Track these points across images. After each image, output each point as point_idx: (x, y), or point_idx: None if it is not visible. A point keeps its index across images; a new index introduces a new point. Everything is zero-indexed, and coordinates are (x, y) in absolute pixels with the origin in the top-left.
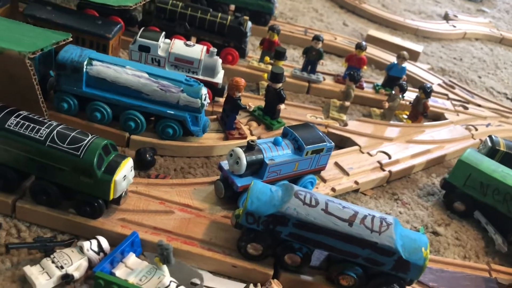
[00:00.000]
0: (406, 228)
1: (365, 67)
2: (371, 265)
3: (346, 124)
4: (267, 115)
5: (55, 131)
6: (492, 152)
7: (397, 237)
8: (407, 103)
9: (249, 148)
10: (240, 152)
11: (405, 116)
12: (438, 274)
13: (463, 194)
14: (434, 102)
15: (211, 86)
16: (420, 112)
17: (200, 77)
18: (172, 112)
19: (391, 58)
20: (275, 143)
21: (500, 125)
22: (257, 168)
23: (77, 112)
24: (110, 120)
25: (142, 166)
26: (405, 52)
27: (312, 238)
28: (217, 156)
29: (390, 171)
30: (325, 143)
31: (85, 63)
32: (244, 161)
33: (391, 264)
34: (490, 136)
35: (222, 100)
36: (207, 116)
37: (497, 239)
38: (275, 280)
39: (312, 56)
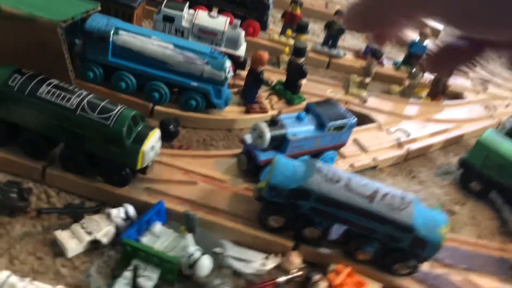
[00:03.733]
0: (425, 206)
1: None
2: (389, 241)
3: (365, 101)
4: (288, 90)
5: (85, 101)
6: (511, 133)
7: (417, 215)
8: (427, 81)
9: (273, 123)
10: (264, 127)
11: (424, 94)
12: (453, 252)
13: (480, 174)
14: (454, 81)
15: (233, 58)
16: (440, 91)
17: (223, 49)
18: (195, 84)
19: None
20: (298, 118)
21: None
22: (279, 143)
23: (102, 81)
24: (135, 90)
25: (166, 137)
26: (427, 29)
27: (333, 213)
28: (238, 129)
29: (408, 149)
30: (347, 120)
31: (112, 32)
32: (267, 136)
33: (408, 241)
34: (510, 117)
35: (244, 73)
36: (229, 89)
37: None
38: (295, 252)
39: (334, 30)
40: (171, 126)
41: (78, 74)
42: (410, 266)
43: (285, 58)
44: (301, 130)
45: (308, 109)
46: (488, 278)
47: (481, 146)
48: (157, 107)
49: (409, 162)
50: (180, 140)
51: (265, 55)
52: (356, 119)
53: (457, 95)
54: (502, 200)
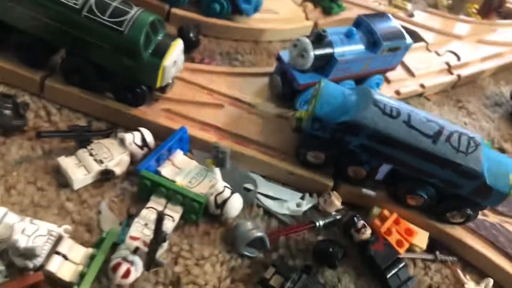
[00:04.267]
0: (492, 150)
1: None
2: (448, 187)
3: (412, 15)
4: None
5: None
6: None
7: (484, 160)
8: None
9: (318, 39)
10: (308, 44)
11: (474, 10)
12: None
13: None
14: None
15: None
16: (494, 7)
17: None
18: None
19: None
20: (348, 35)
21: None
22: (323, 64)
23: None
24: None
25: (185, 47)
26: None
27: (387, 152)
28: (267, 41)
29: (459, 75)
30: (404, 40)
31: None
32: (311, 55)
33: (471, 188)
34: None
35: None
36: None
37: None
38: (335, 192)
39: None
40: (191, 34)
41: None
42: (466, 214)
43: None
44: (351, 49)
45: (358, 24)
46: None
47: None
48: (175, 10)
49: (457, 90)
50: (201, 51)
51: None
52: (412, 42)
53: None
54: None
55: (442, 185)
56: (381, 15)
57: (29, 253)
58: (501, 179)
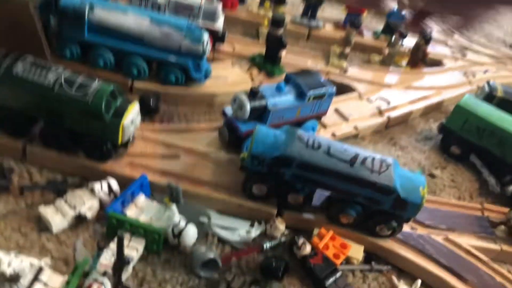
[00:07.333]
0: (405, 169)
1: (365, 13)
2: (371, 204)
3: (346, 71)
4: (268, 62)
5: (62, 77)
6: (489, 97)
7: (396, 177)
8: (407, 50)
9: (253, 94)
10: (244, 98)
11: (404, 63)
12: (434, 213)
13: (459, 138)
14: (433, 49)
15: (211, 32)
16: (419, 59)
17: (201, 23)
18: (174, 59)
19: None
20: (278, 89)
21: (497, 71)
22: (260, 114)
23: (80, 59)
24: (113, 67)
25: (146, 113)
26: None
27: (314, 178)
28: (220, 102)
29: (388, 117)
30: (326, 88)
31: (87, 9)
32: (247, 107)
33: (389, 202)
34: (487, 82)
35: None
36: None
37: (491, 180)
38: (279, 218)
39: (313, 1)
40: (151, 102)
41: (55, 53)
42: (392, 227)
43: (264, 30)
44: (281, 100)
45: (287, 79)
46: (467, 236)
47: (460, 111)
48: (136, 83)
49: (390, 129)
50: (161, 116)
51: None
52: (335, 87)
53: (436, 63)
54: (481, 163)
55: (366, 202)
56: (306, 72)
57: (14, 278)
58: (413, 192)
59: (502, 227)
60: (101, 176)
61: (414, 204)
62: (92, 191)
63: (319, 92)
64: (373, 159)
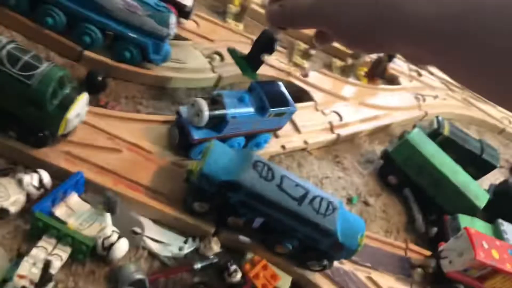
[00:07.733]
0: (349, 212)
1: None
2: (309, 242)
3: (307, 75)
4: (247, 60)
5: (4, 50)
6: (435, 134)
7: (339, 222)
8: (370, 61)
9: (213, 101)
10: (203, 105)
11: (363, 73)
12: (363, 248)
13: (399, 169)
14: (393, 64)
15: (178, 5)
16: (379, 73)
17: None
18: (134, 36)
19: None
20: (240, 99)
21: (445, 99)
22: (217, 123)
23: (27, 13)
24: (63, 29)
25: (92, 89)
26: None
27: (261, 209)
28: (172, 88)
29: (338, 135)
30: (289, 108)
31: None
32: (205, 115)
33: (327, 244)
34: (437, 117)
35: (186, 22)
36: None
37: (419, 218)
38: (215, 238)
39: None
40: (99, 77)
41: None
42: (323, 264)
43: (232, 8)
44: (241, 112)
45: (253, 88)
46: (387, 277)
47: (407, 144)
48: (87, 52)
49: (337, 146)
50: (107, 94)
51: None
52: (296, 109)
53: (392, 79)
54: (413, 198)
55: (305, 239)
56: (272, 83)
57: None
58: (351, 238)
59: (419, 270)
60: (33, 163)
61: (349, 249)
62: (20, 182)
63: (281, 110)
64: (321, 199)
